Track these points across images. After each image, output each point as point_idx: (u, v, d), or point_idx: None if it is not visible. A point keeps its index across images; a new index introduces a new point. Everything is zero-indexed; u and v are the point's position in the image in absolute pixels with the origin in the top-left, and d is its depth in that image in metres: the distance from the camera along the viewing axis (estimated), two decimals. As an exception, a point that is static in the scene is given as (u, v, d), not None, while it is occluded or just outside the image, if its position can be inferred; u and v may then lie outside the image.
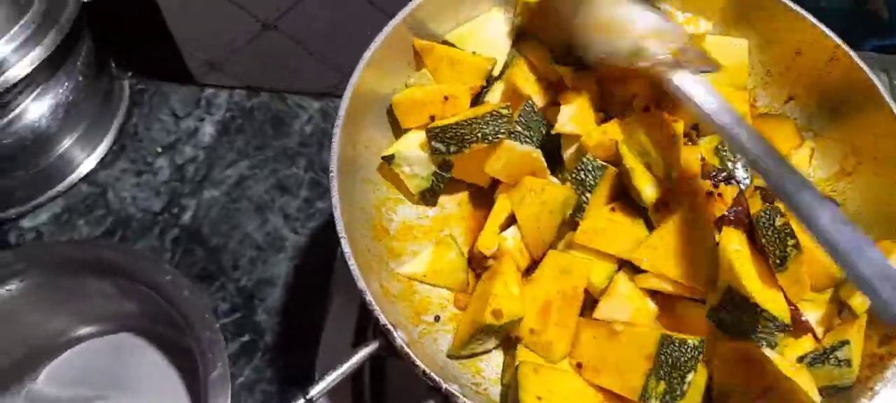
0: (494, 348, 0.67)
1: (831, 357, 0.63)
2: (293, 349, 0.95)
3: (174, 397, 0.92)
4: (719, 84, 0.76)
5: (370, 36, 0.71)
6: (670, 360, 0.60)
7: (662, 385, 0.60)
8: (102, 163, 1.08)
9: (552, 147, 0.72)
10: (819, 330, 0.68)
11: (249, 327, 0.97)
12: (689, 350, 0.60)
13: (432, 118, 0.72)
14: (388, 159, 0.72)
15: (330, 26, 1.00)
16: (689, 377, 0.60)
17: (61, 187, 1.05)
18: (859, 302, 0.66)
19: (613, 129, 0.69)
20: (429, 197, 0.74)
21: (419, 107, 0.73)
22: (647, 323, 0.63)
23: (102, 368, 0.95)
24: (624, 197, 0.70)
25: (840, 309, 0.69)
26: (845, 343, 0.63)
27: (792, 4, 0.76)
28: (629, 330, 0.62)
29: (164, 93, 1.15)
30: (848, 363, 0.63)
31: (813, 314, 0.69)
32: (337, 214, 0.62)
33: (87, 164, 1.07)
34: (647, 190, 0.66)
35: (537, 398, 0.60)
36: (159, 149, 1.10)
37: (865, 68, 0.72)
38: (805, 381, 0.60)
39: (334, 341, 0.80)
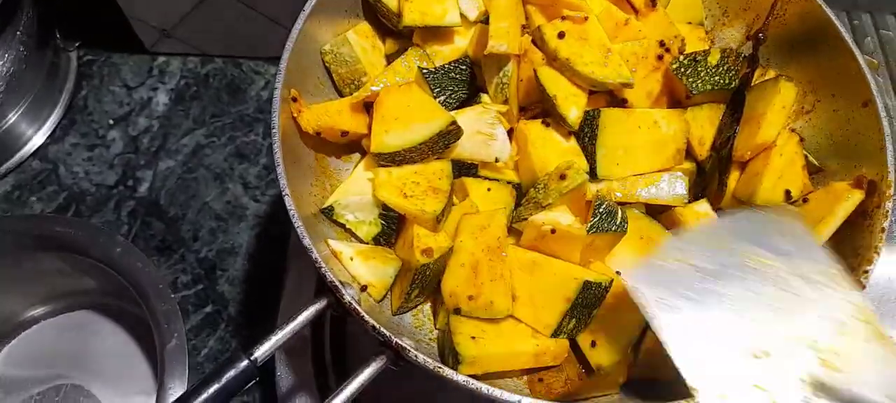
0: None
1: None
2: (257, 318, 0.94)
3: (135, 371, 0.90)
4: (678, 23, 0.74)
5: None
6: (585, 301, 0.62)
7: (573, 323, 0.63)
8: (52, 138, 1.04)
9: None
10: None
11: (212, 298, 0.95)
12: (601, 290, 0.62)
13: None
14: (328, 212, 0.67)
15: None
16: (595, 311, 0.63)
17: (10, 164, 1.01)
18: None
19: (533, 52, 0.69)
20: (383, 240, 0.68)
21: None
22: (578, 232, 0.62)
23: (61, 347, 0.93)
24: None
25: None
26: None
27: (747, -60, 0.74)
28: (550, 266, 0.62)
29: (114, 64, 1.11)
30: None
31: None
32: (280, 170, 0.60)
33: (36, 140, 1.03)
34: (572, 113, 0.67)
35: (471, 337, 0.60)
36: (111, 121, 1.06)
37: (822, 3, 0.71)
38: None
39: (293, 306, 0.78)
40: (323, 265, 0.56)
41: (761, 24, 0.75)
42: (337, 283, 0.55)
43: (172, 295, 0.81)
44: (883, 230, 0.61)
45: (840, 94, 0.70)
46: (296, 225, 0.58)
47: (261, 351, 0.53)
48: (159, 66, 1.11)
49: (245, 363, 0.51)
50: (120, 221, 0.99)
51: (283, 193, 0.59)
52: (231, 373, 0.51)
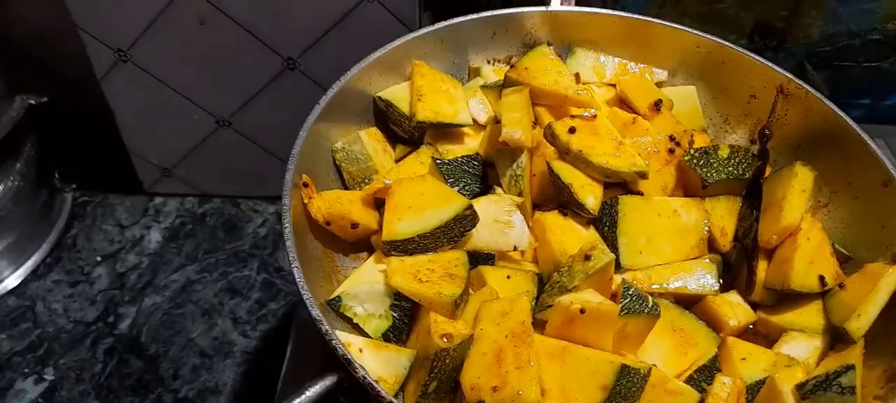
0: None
1: (834, 383, 0.57)
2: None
3: None
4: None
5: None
6: (622, 390, 0.55)
7: None
8: (34, 275, 0.99)
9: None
10: (810, 363, 0.62)
11: (189, 443, 0.85)
12: (640, 379, 0.55)
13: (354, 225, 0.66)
14: (335, 303, 0.62)
15: (284, 123, 0.98)
16: None
17: (-17, 301, 0.95)
18: (856, 326, 0.61)
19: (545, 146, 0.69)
20: (393, 335, 0.62)
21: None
22: (610, 311, 0.56)
23: None
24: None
25: (833, 341, 0.64)
26: (850, 367, 0.57)
27: (739, 49, 0.78)
28: (582, 352, 0.56)
29: (109, 204, 1.09)
30: (852, 390, 0.56)
31: (804, 345, 0.63)
32: (289, 244, 0.56)
33: (15, 277, 0.98)
34: (590, 200, 0.66)
35: None
36: (99, 258, 1.02)
37: (822, 98, 0.73)
38: None
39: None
40: (334, 337, 0.50)
41: (765, 123, 0.76)
42: (349, 355, 0.49)
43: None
44: (935, 296, 0.57)
45: (856, 181, 0.70)
46: (303, 294, 0.52)
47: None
48: (156, 206, 1.09)
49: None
50: (95, 359, 0.91)
51: (290, 256, 0.54)
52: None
